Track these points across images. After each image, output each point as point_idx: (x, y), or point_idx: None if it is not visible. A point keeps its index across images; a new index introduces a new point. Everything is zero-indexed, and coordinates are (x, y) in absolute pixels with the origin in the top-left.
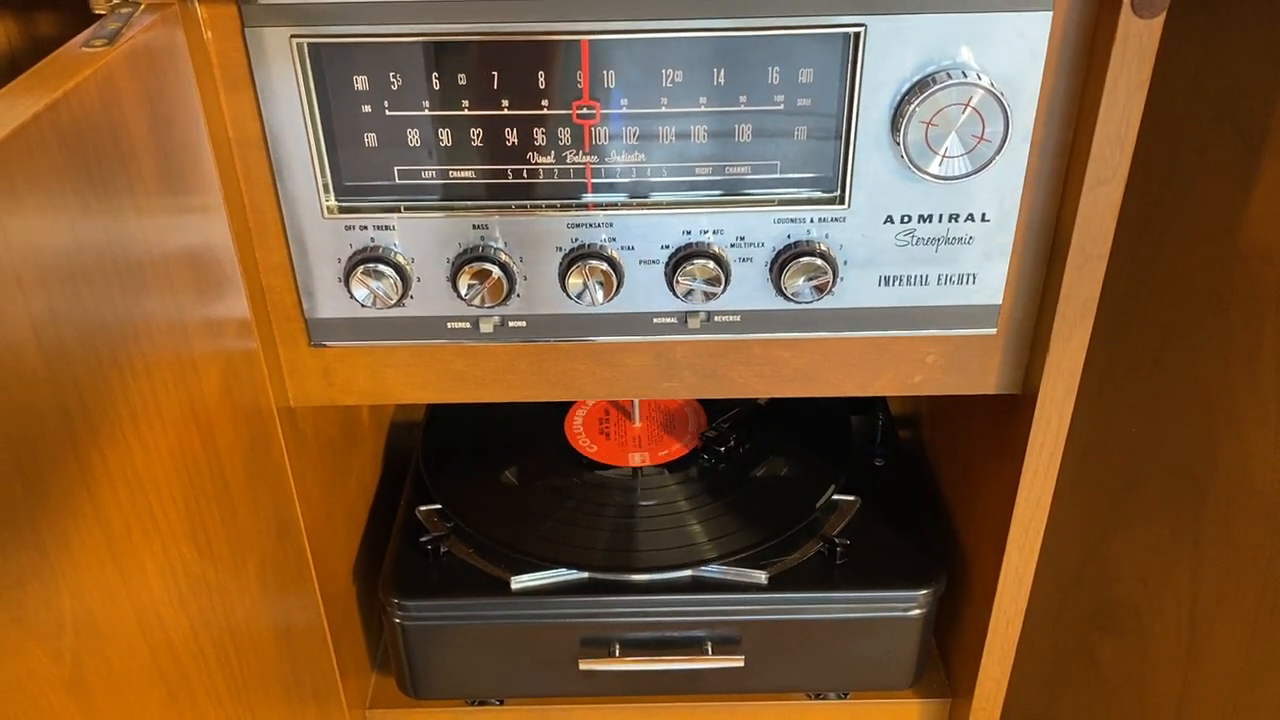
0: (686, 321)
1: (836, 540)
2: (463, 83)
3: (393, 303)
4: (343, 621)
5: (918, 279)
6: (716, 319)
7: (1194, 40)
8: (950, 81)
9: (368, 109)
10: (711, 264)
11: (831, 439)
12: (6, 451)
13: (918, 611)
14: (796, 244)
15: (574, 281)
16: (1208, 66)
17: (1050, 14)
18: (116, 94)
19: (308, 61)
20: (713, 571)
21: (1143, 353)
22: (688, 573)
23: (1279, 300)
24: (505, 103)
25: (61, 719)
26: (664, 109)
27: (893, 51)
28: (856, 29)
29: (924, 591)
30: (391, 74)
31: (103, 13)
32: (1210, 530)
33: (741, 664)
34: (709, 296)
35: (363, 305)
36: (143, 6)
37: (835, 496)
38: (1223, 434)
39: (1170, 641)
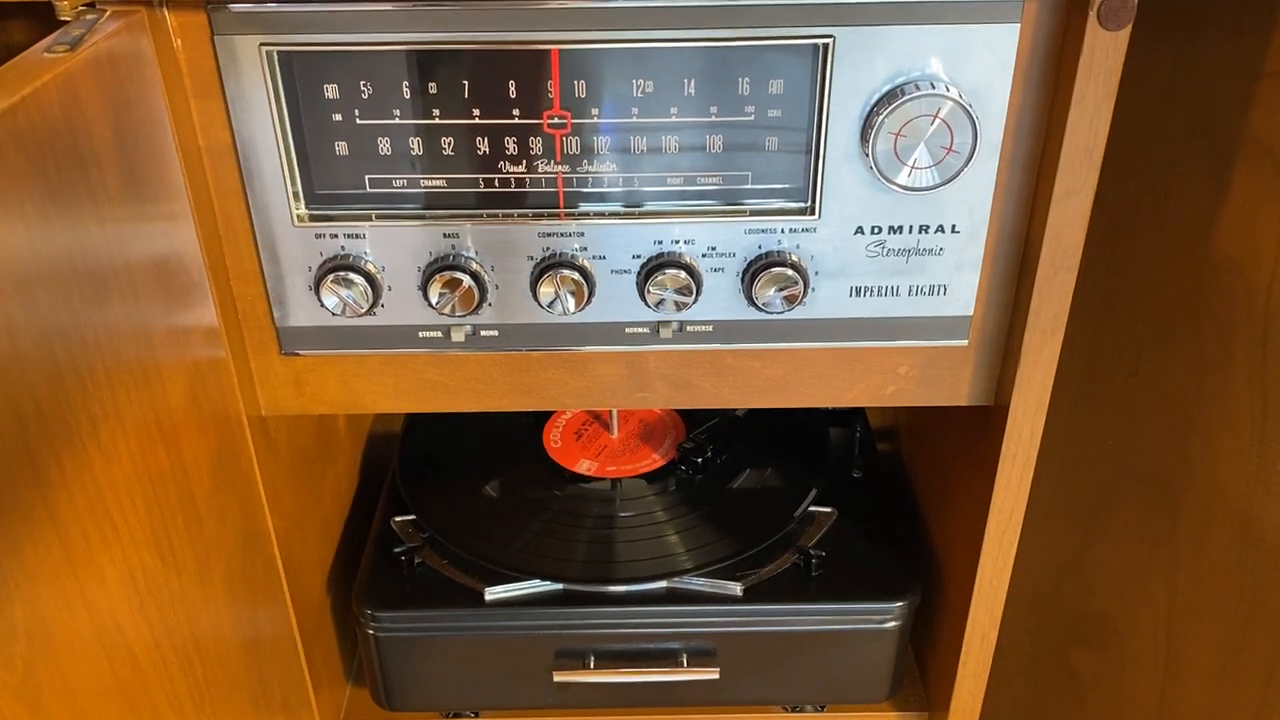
0: (659, 331)
1: (812, 552)
2: (434, 92)
3: (363, 311)
4: (316, 632)
5: (889, 290)
6: (688, 329)
7: (1166, 52)
8: (919, 93)
9: (338, 118)
10: (683, 274)
11: (809, 451)
12: None
13: (893, 624)
14: (768, 254)
15: (545, 290)
16: (1179, 79)
17: (1018, 26)
18: (78, 100)
19: (278, 70)
20: (688, 583)
21: (1118, 365)
22: (663, 584)
23: (1250, 312)
24: (476, 112)
25: None
26: (635, 119)
27: (861, 62)
28: (825, 40)
29: (899, 604)
30: (362, 83)
31: (68, 19)
32: (1186, 543)
33: (716, 676)
34: (680, 306)
35: (333, 314)
36: (108, 13)
37: (812, 508)
38: (1197, 446)
39: (1148, 654)
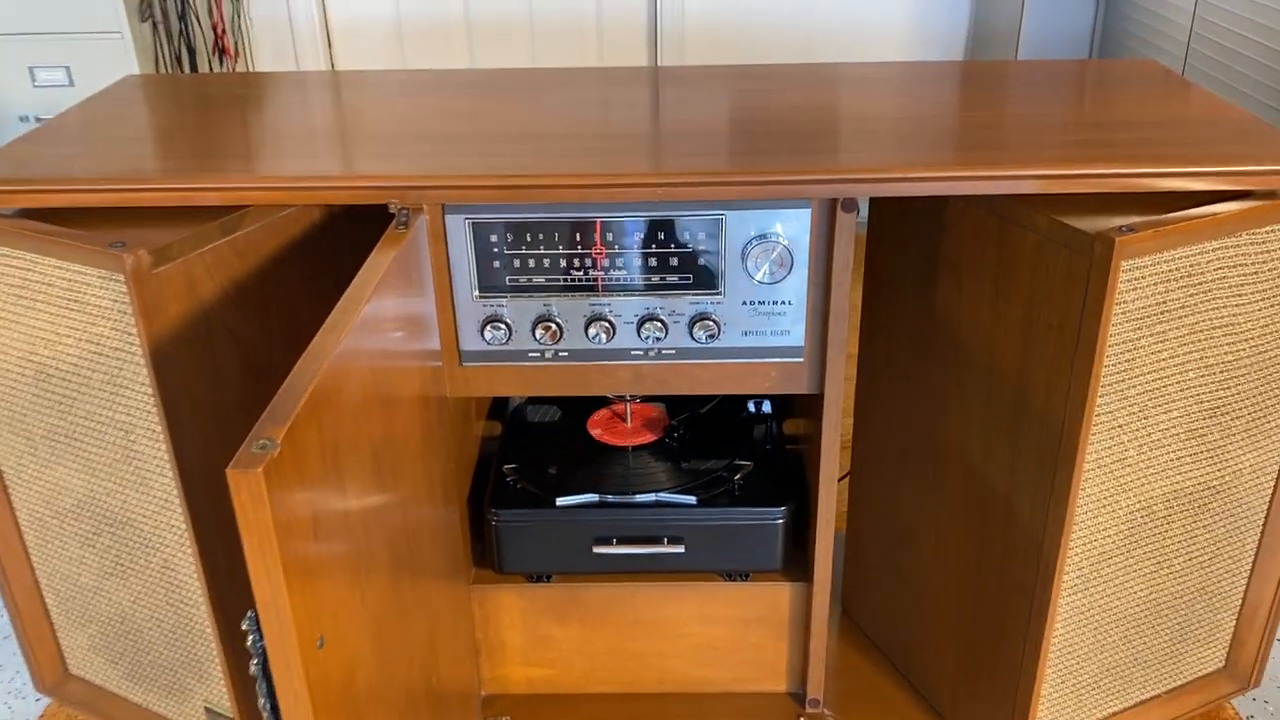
0: (647, 354)
1: (737, 482)
2: (540, 238)
3: (504, 343)
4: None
5: (761, 332)
6: (663, 352)
7: (927, 218)
8: (767, 241)
9: (496, 249)
10: (659, 324)
11: (740, 434)
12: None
13: (780, 520)
14: (700, 314)
15: (592, 332)
16: (935, 233)
17: (810, 209)
18: (408, 248)
19: (471, 230)
20: (668, 497)
21: (901, 377)
22: (653, 496)
23: (956, 349)
24: (561, 246)
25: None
26: (635, 250)
27: (740, 225)
28: (721, 216)
29: (784, 508)
30: (508, 233)
31: (394, 212)
32: (942, 481)
33: (683, 551)
34: (658, 341)
35: (488, 344)
36: (410, 210)
37: (738, 462)
38: (940, 420)
39: (930, 549)
